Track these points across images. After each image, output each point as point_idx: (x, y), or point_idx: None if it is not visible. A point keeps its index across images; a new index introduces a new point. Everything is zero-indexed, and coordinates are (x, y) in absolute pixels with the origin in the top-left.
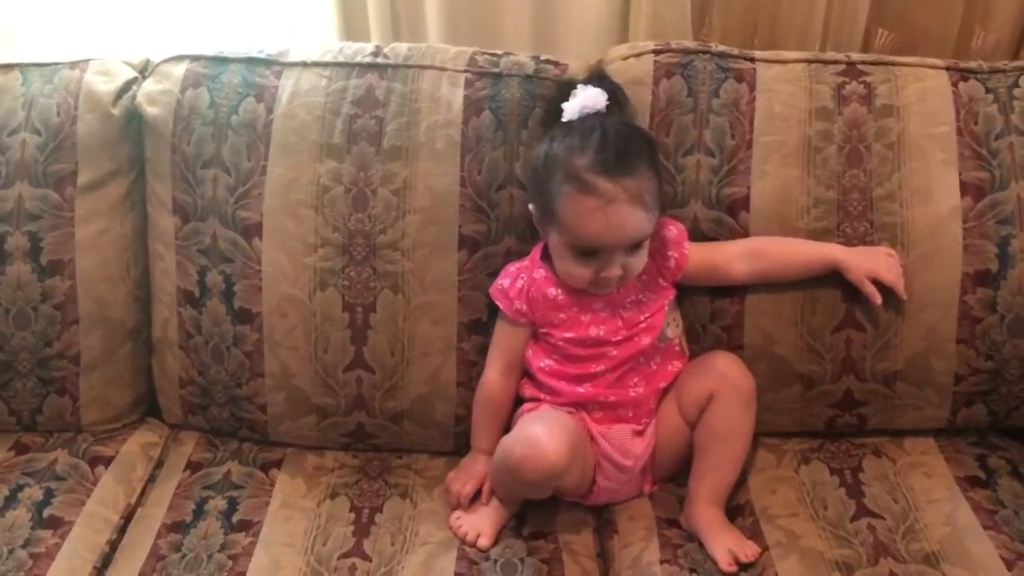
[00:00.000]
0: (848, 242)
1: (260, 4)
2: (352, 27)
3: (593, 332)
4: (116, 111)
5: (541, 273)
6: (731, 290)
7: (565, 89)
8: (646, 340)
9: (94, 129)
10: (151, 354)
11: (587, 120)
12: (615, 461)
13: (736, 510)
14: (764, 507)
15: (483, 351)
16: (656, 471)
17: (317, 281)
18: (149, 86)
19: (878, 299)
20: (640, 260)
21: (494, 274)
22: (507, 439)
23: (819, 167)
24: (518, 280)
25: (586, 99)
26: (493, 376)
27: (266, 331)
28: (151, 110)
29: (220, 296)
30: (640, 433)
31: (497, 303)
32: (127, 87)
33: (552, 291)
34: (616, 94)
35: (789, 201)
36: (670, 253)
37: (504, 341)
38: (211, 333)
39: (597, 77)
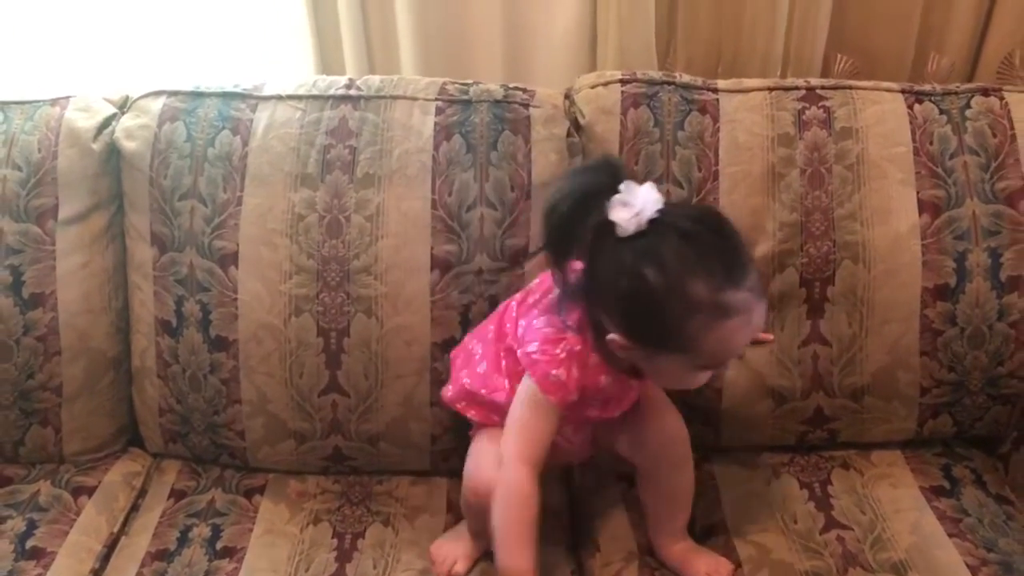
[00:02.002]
0: (811, 262)
1: (238, 39)
2: (328, 61)
3: (616, 411)
4: (96, 146)
5: (595, 360)
6: None
7: (594, 191)
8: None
9: (75, 164)
10: (132, 384)
11: (658, 227)
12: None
13: (710, 529)
14: (736, 524)
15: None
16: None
17: (292, 308)
18: (127, 121)
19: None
20: None
21: (466, 291)
22: (470, 467)
23: (783, 192)
24: (572, 368)
25: (645, 204)
26: (527, 474)
27: (242, 358)
28: (129, 144)
29: (197, 325)
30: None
31: (547, 396)
32: (107, 123)
33: (604, 380)
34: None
35: (756, 228)
36: None
37: (543, 429)
38: (188, 362)
39: (606, 161)
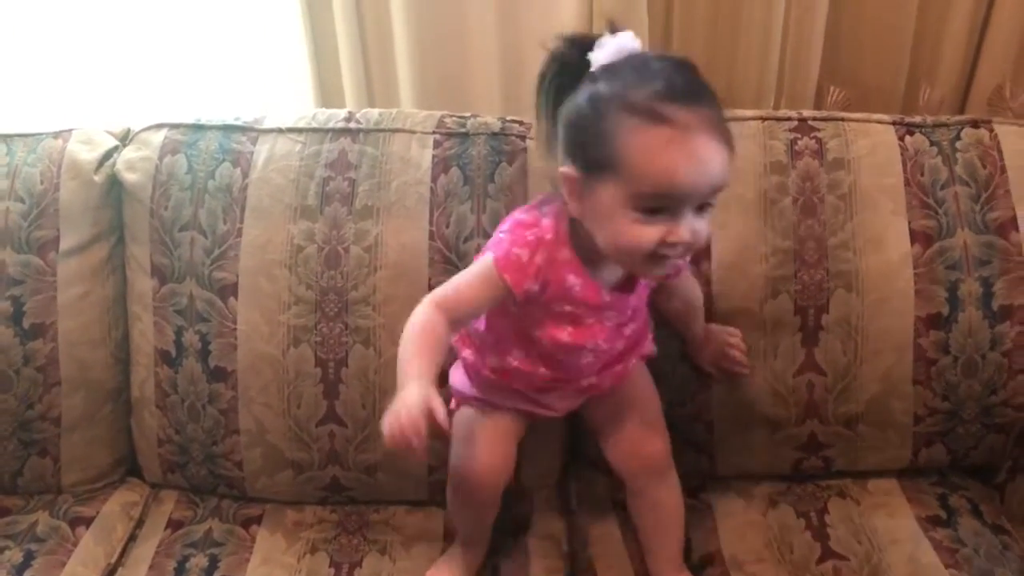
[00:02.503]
0: (805, 289)
1: (238, 73)
2: (328, 94)
3: (589, 344)
4: (98, 178)
5: (566, 255)
6: None
7: (580, 47)
8: (627, 331)
9: (76, 196)
10: (131, 414)
11: (631, 59)
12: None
13: (706, 559)
14: (733, 554)
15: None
16: None
17: (291, 338)
18: (129, 153)
19: (721, 378)
20: (706, 228)
21: None
22: (453, 466)
23: (776, 218)
24: (537, 254)
25: (622, 41)
26: (437, 316)
27: (241, 388)
28: (130, 176)
29: (196, 355)
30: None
31: (503, 275)
32: (108, 155)
33: (572, 280)
34: None
35: (748, 250)
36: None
37: (477, 296)
38: (187, 392)
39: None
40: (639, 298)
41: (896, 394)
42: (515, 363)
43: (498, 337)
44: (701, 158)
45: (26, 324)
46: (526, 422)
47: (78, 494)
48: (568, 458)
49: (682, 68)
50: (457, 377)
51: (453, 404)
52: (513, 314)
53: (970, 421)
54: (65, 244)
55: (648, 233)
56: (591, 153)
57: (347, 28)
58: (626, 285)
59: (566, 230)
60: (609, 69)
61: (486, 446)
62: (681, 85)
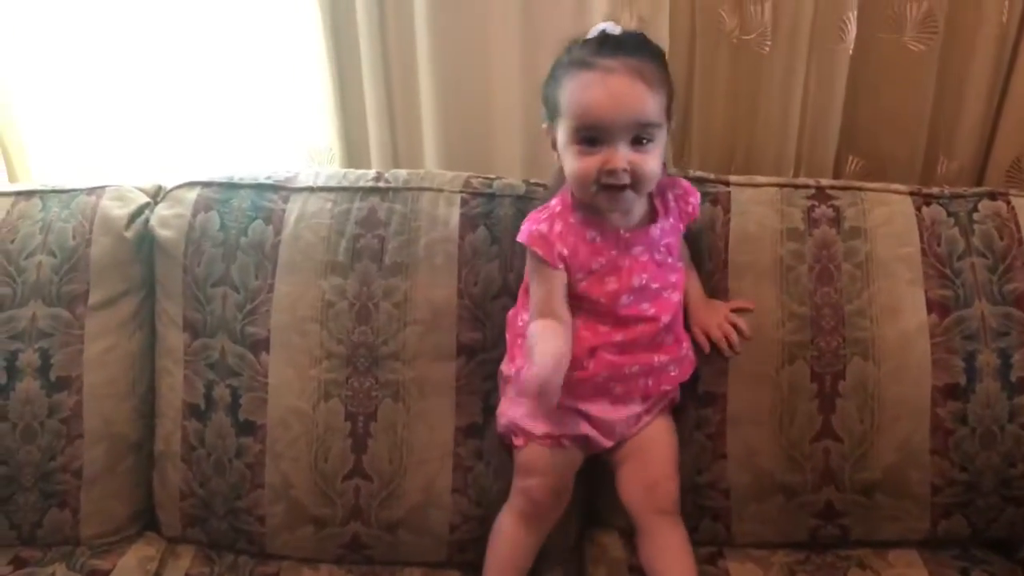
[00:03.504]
0: (822, 356)
1: (267, 133)
2: (354, 154)
3: (636, 281)
4: (129, 234)
5: (577, 217)
6: (713, 399)
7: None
8: (675, 297)
9: (107, 251)
10: (152, 468)
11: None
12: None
13: None
14: None
15: (478, 455)
16: None
17: (321, 392)
18: (163, 210)
19: (706, 348)
20: (650, 161)
21: (489, 378)
22: (519, 492)
23: (792, 284)
24: (555, 224)
25: (602, 24)
26: (542, 319)
27: (269, 442)
28: (164, 233)
29: (226, 409)
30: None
31: (534, 249)
32: (140, 211)
33: (591, 233)
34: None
35: (763, 314)
36: (690, 199)
37: (546, 287)
38: (214, 445)
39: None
40: (663, 231)
41: (913, 463)
42: (589, 339)
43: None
44: (616, 93)
45: (52, 376)
46: (583, 454)
47: (95, 547)
48: (584, 522)
49: (629, 35)
50: (519, 414)
51: (521, 441)
52: (574, 294)
53: (989, 493)
54: (94, 298)
55: (589, 162)
56: (549, 104)
57: (375, 92)
58: (642, 224)
59: (570, 201)
60: (577, 41)
61: (552, 475)
62: (612, 41)
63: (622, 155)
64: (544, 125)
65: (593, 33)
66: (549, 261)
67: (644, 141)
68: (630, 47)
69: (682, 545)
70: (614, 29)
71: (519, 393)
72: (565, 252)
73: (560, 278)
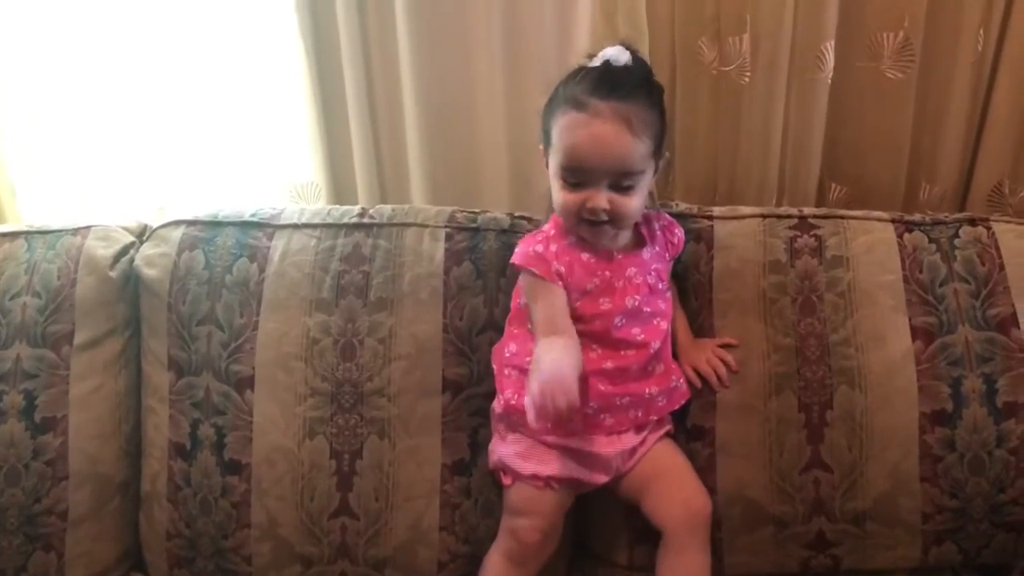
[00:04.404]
0: (808, 386)
1: (253, 170)
2: (341, 190)
3: (629, 303)
4: (113, 273)
5: (570, 240)
6: (701, 432)
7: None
8: (664, 325)
9: (92, 291)
10: (138, 508)
11: (600, 65)
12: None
13: None
14: None
15: (466, 492)
16: None
17: (306, 430)
18: (147, 250)
19: (697, 385)
20: (631, 203)
21: (475, 413)
22: (507, 533)
23: (775, 316)
24: (550, 245)
25: (607, 52)
26: (547, 336)
27: (254, 481)
28: (149, 272)
29: (211, 448)
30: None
31: (531, 268)
32: (124, 251)
33: (585, 255)
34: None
35: (748, 347)
36: (675, 231)
37: (548, 305)
38: (200, 485)
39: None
40: (652, 256)
41: (903, 491)
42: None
43: None
44: (600, 141)
45: (37, 418)
46: (573, 494)
47: None
48: (573, 553)
49: (626, 71)
50: (508, 452)
51: (509, 480)
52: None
53: (979, 520)
54: (79, 338)
55: (572, 197)
56: (544, 131)
57: (360, 127)
58: (633, 248)
59: (563, 225)
60: (584, 69)
61: (541, 517)
62: (609, 83)
63: (602, 196)
64: (540, 146)
65: (598, 60)
66: (547, 278)
67: (625, 186)
68: (627, 87)
69: (703, 572)
70: (619, 58)
71: (534, 419)
72: (562, 270)
73: (561, 295)
